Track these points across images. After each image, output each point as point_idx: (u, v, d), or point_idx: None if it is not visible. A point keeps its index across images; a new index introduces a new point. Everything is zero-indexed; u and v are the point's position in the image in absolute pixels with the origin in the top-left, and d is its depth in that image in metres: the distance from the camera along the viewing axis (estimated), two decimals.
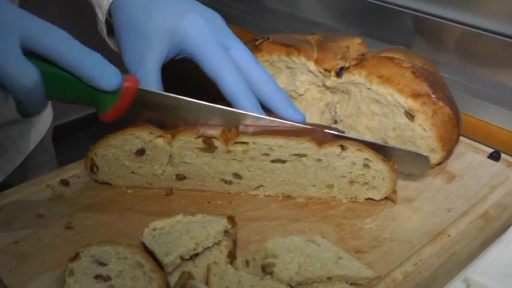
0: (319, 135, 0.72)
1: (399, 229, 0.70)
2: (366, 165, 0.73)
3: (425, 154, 0.76)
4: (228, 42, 0.75)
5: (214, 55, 0.72)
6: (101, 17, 0.79)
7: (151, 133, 0.72)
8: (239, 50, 0.75)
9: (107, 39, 0.82)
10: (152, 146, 0.73)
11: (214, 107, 0.72)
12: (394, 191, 0.74)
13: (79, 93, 0.65)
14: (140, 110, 0.70)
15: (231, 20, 1.30)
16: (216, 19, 0.76)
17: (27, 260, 0.66)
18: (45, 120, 1.04)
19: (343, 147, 0.72)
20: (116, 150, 0.74)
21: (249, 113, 0.72)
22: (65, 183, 0.78)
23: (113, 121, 0.68)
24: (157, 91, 0.70)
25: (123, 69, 0.71)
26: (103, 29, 0.80)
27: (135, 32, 0.73)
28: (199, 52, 0.73)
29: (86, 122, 2.74)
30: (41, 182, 0.78)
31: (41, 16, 0.62)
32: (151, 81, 0.72)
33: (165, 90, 0.72)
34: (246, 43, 0.91)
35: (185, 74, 0.83)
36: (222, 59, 0.72)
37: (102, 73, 0.64)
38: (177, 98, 0.71)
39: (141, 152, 0.74)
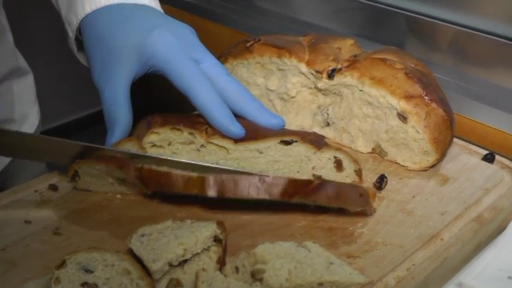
0: None
1: (392, 233, 0.69)
2: None
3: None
4: (198, 56, 0.74)
5: (183, 69, 0.72)
6: (71, 34, 0.80)
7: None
8: (210, 64, 0.75)
9: (77, 55, 0.83)
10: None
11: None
12: (370, 206, 0.71)
13: None
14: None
15: (222, 21, 1.30)
16: (185, 33, 0.76)
17: (14, 267, 0.65)
18: (32, 121, 1.03)
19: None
20: (100, 173, 0.73)
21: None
22: (53, 188, 0.77)
23: None
24: (6, 129, 0.70)
25: None
26: (73, 46, 0.81)
27: (104, 50, 0.74)
28: (168, 67, 0.73)
29: (76, 126, 2.73)
30: (29, 187, 0.77)
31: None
32: (119, 99, 0.72)
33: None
34: (237, 45, 0.90)
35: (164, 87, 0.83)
36: (191, 73, 0.72)
37: None
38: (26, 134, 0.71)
39: (123, 180, 0.74)
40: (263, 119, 0.75)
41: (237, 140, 0.73)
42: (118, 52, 0.73)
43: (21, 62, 1.00)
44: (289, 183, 0.66)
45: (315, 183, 0.66)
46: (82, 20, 0.77)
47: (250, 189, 0.66)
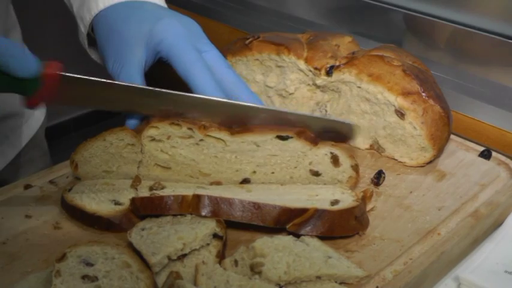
0: None
1: (389, 228, 0.70)
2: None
3: (348, 122, 0.78)
4: (202, 46, 0.77)
5: (185, 56, 0.74)
6: (83, 29, 0.81)
7: None
8: (212, 54, 0.77)
9: (88, 50, 0.85)
10: None
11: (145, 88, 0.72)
12: (364, 227, 0.70)
13: None
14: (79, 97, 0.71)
15: (221, 18, 1.31)
16: (191, 25, 0.79)
17: (15, 261, 0.66)
18: (37, 116, 1.05)
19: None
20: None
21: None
22: (53, 183, 0.77)
23: (39, 106, 0.69)
24: (83, 76, 0.69)
25: None
26: (84, 41, 0.83)
27: (117, 40, 0.76)
28: (172, 53, 0.75)
29: (79, 122, 2.73)
30: (30, 182, 0.78)
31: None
32: (135, 80, 0.73)
33: None
34: (236, 42, 0.91)
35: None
36: (193, 60, 0.74)
37: (17, 60, 0.63)
38: (104, 81, 0.70)
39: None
40: None
41: (233, 132, 0.73)
42: (130, 39, 0.75)
43: None
44: (282, 211, 0.66)
45: (310, 212, 0.66)
46: (95, 15, 0.79)
47: (244, 213, 0.66)
